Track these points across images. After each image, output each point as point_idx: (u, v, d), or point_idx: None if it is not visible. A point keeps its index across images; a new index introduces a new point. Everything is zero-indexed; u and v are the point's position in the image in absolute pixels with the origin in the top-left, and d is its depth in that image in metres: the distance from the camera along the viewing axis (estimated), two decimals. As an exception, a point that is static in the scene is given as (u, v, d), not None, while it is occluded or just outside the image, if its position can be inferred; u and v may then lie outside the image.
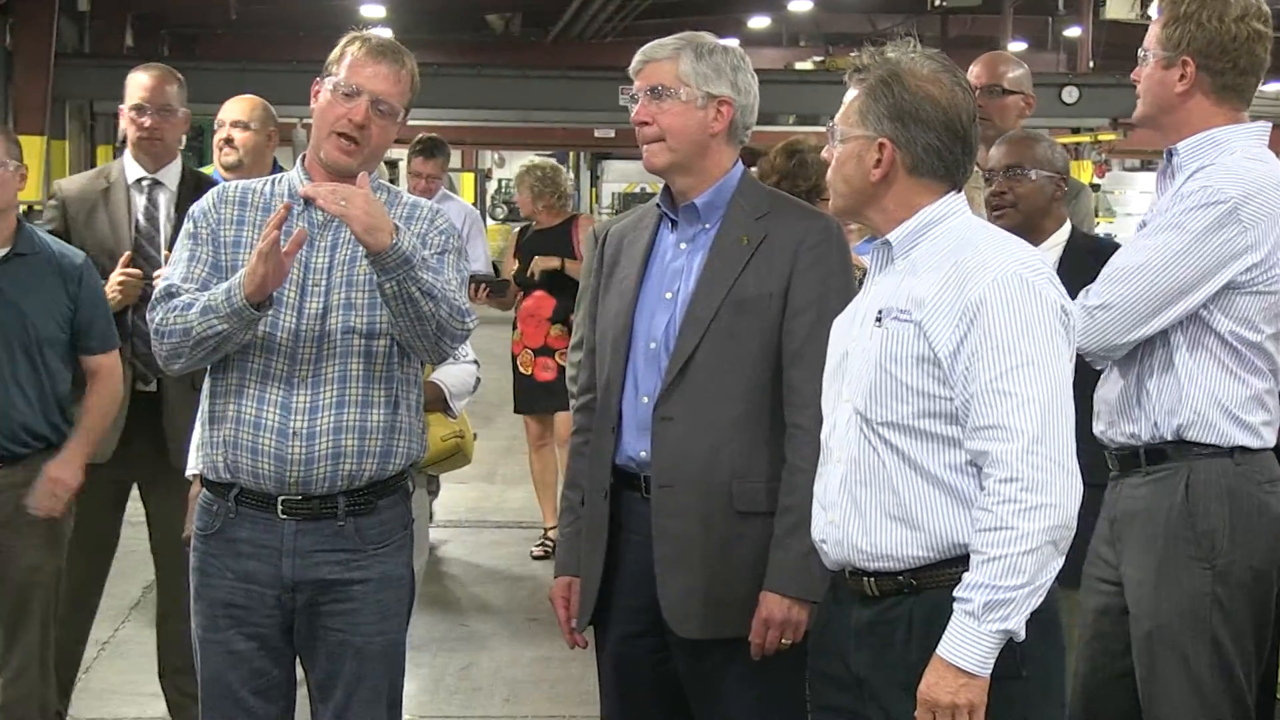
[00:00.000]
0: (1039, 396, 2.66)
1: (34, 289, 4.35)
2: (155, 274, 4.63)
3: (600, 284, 3.53)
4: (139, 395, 4.80)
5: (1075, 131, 23.55)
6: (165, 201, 4.91)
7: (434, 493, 8.07)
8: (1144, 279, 3.34)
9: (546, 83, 23.46)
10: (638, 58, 3.41)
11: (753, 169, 4.47)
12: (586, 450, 3.52)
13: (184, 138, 5.15)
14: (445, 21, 28.42)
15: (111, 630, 6.34)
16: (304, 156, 3.46)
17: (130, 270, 4.73)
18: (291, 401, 3.32)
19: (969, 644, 2.64)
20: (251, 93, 5.67)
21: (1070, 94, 22.78)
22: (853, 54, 2.93)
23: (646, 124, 3.36)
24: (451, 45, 27.68)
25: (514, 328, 8.16)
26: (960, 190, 2.87)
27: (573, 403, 3.74)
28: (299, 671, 3.52)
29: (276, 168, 5.56)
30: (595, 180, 37.18)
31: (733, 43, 3.62)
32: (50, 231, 4.89)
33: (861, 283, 3.01)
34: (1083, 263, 3.80)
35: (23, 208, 4.59)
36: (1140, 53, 3.48)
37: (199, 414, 3.53)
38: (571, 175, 35.10)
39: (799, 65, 29.40)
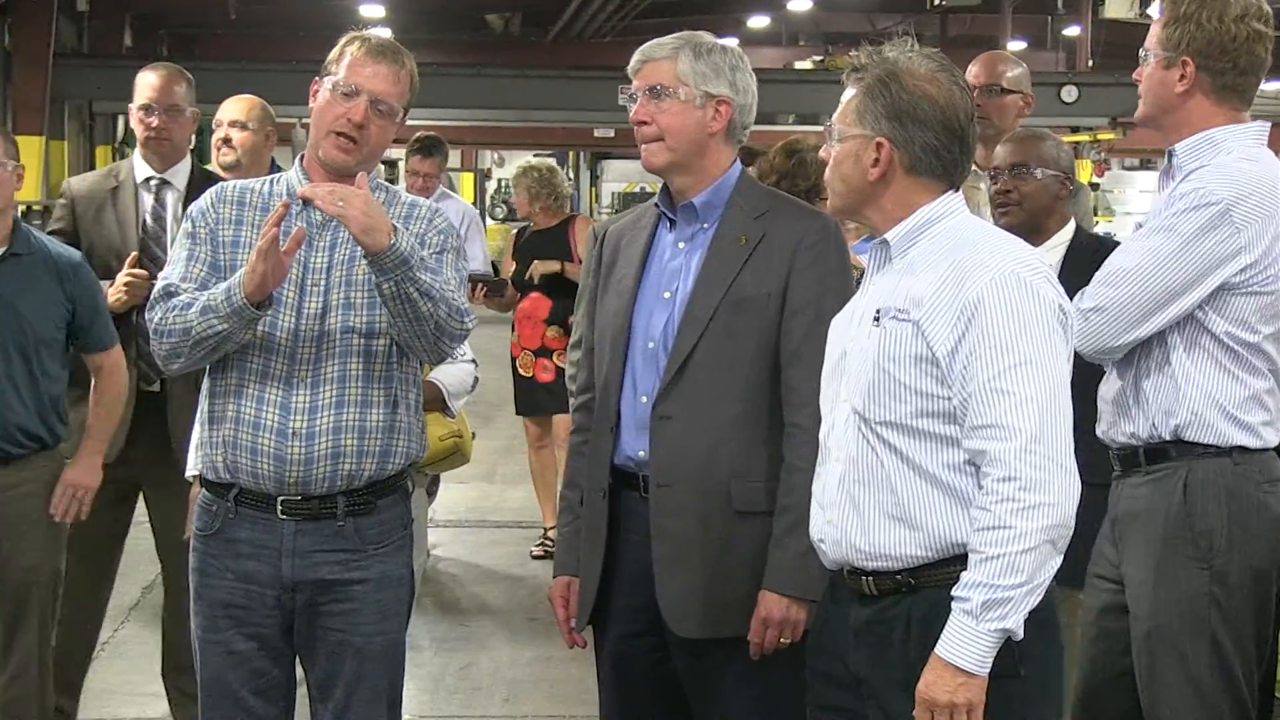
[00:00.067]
0: (1037, 395, 2.66)
1: (30, 289, 4.35)
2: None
3: (599, 283, 3.53)
4: (143, 395, 4.80)
5: (1074, 130, 23.54)
6: (173, 201, 4.90)
7: (432, 494, 8.07)
8: (1136, 282, 3.34)
9: (546, 82, 23.45)
10: (636, 57, 3.41)
11: (750, 168, 4.47)
12: (585, 450, 3.52)
13: (193, 137, 5.14)
14: (445, 21, 28.41)
15: (111, 630, 6.33)
16: (303, 156, 3.46)
17: (136, 271, 4.71)
18: (291, 401, 3.32)
19: (967, 643, 2.64)
20: (251, 93, 5.67)
21: (1069, 93, 22.77)
22: (851, 53, 2.93)
23: (645, 123, 3.36)
24: (451, 45, 27.67)
25: (512, 329, 8.16)
26: (958, 189, 2.87)
27: (571, 401, 3.74)
28: (299, 671, 3.52)
29: (275, 167, 5.56)
30: (595, 180, 37.18)
31: (731, 42, 3.62)
32: (59, 230, 4.90)
33: (859, 282, 3.01)
34: (1086, 262, 3.80)
35: (21, 208, 4.60)
36: (1141, 52, 3.48)
37: (198, 414, 3.53)
38: (570, 176, 35.20)
39: (798, 65, 29.40)
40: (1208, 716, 3.37)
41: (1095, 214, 20.29)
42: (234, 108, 5.53)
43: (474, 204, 19.24)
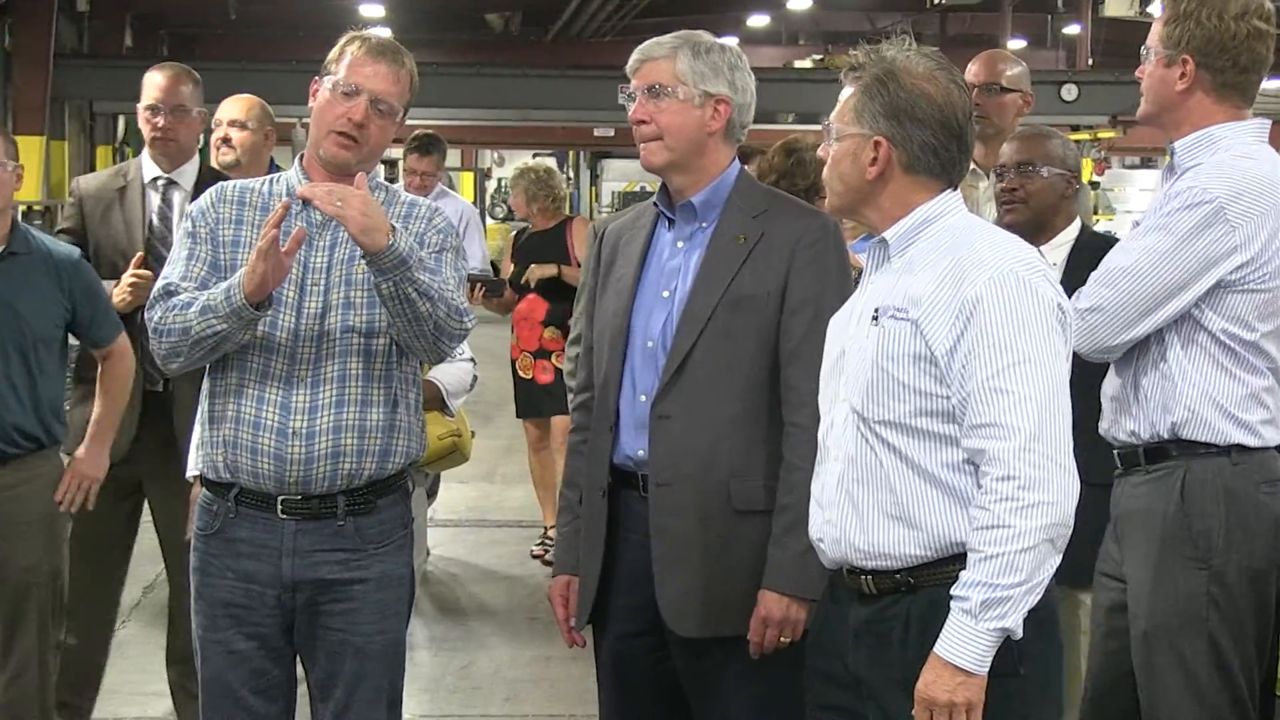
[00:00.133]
0: (1036, 394, 2.66)
1: (28, 288, 4.34)
2: None
3: (598, 282, 3.53)
4: (149, 396, 4.80)
5: (1074, 129, 23.52)
6: (180, 201, 4.89)
7: (433, 494, 8.07)
8: (1133, 281, 3.34)
9: (546, 82, 23.42)
10: (635, 56, 3.41)
11: (748, 167, 4.47)
12: (584, 449, 3.52)
13: (201, 137, 5.14)
14: (444, 21, 28.40)
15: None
16: (303, 155, 3.46)
17: (141, 272, 4.70)
18: (291, 401, 3.32)
19: (966, 642, 2.63)
20: (251, 92, 5.67)
21: (1069, 91, 22.75)
22: (849, 52, 2.93)
23: (644, 123, 3.36)
24: (450, 44, 27.66)
25: (511, 331, 8.16)
26: (956, 188, 2.87)
27: (570, 400, 3.73)
28: (299, 671, 3.52)
29: (274, 167, 5.56)
30: (595, 179, 37.15)
31: (730, 41, 3.62)
32: (68, 229, 4.91)
33: (858, 281, 3.01)
34: (1091, 260, 3.79)
35: (22, 208, 4.61)
36: (1143, 50, 3.48)
37: (198, 414, 3.53)
38: (570, 175, 35.16)
39: (798, 64, 29.37)
40: (1206, 716, 3.36)
41: (1096, 212, 20.32)
42: (233, 107, 5.53)
43: (474, 203, 19.24)
